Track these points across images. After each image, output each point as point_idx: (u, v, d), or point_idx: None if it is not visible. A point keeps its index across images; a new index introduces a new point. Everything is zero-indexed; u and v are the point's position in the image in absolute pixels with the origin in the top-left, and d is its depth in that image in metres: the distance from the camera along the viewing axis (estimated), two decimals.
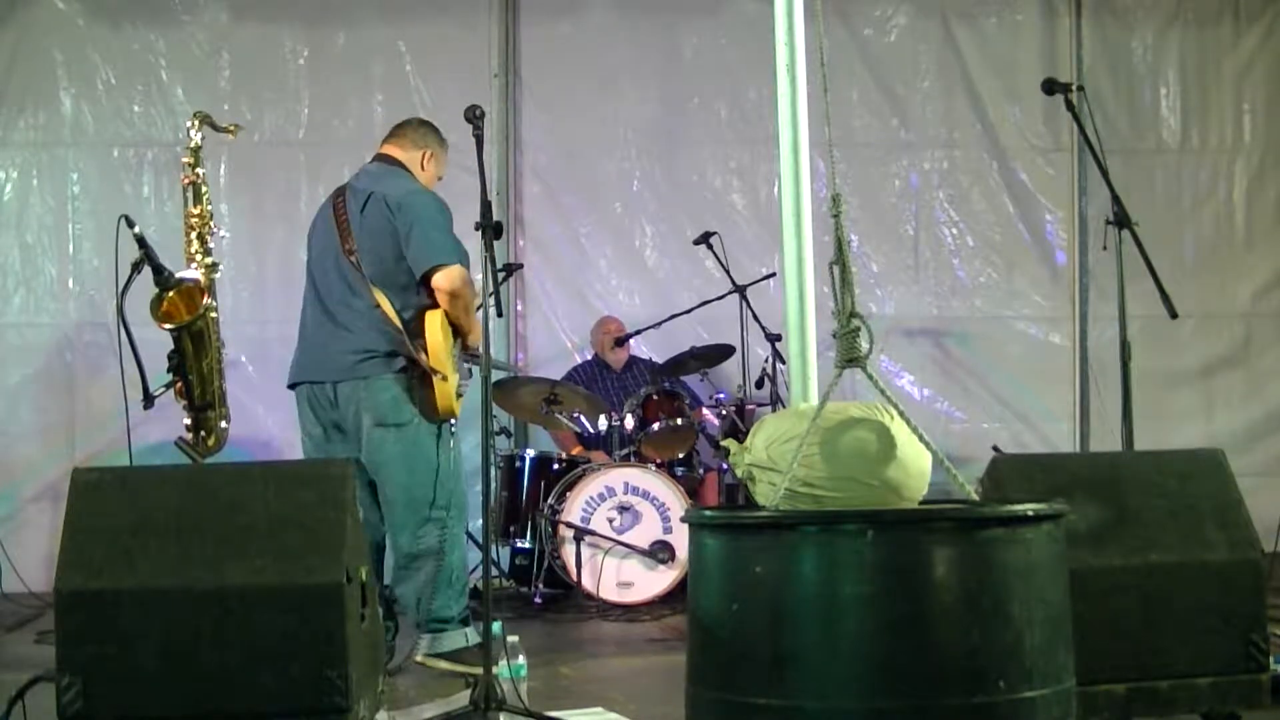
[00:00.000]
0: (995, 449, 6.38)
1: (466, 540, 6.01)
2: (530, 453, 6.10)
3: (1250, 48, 7.38)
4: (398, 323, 4.29)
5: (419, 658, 4.31)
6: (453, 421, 4.43)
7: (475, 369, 5.76)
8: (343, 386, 4.38)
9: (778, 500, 2.62)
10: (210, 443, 4.29)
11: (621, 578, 5.63)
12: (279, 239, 6.78)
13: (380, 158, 4.62)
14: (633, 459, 5.96)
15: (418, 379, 4.33)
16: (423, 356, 4.28)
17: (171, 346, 4.16)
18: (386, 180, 4.47)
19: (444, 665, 4.24)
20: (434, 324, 4.30)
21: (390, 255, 4.33)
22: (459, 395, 4.42)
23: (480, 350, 3.71)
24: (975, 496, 2.69)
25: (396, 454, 4.33)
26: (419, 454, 4.34)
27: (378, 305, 4.30)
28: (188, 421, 4.26)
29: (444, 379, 4.29)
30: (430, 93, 6.91)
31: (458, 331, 4.43)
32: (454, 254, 4.31)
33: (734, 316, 6.42)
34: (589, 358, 6.87)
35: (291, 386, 4.59)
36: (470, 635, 4.32)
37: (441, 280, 4.28)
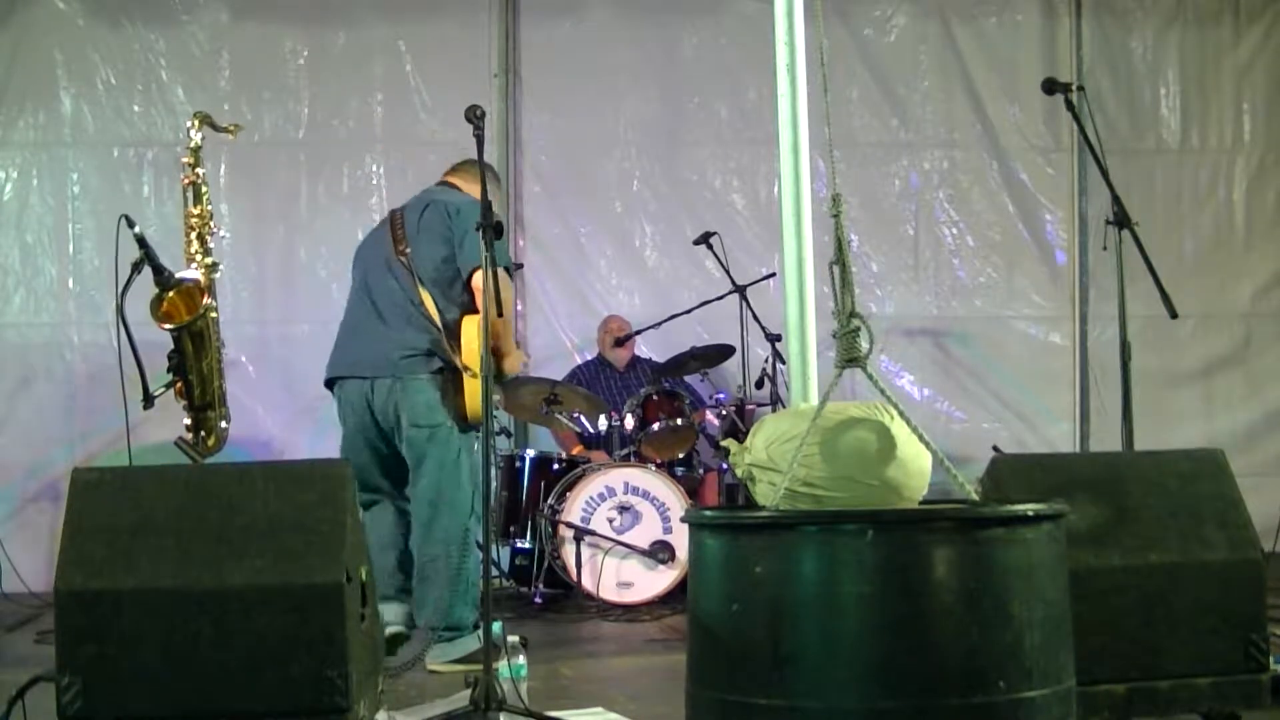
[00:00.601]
0: (995, 449, 6.37)
1: None
2: (530, 453, 6.09)
3: (1250, 48, 7.38)
4: (438, 321, 4.40)
5: (433, 665, 4.33)
6: (478, 428, 4.48)
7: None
8: (381, 382, 4.45)
9: (778, 500, 2.62)
10: (210, 443, 4.29)
11: (621, 578, 5.63)
12: (279, 239, 6.79)
13: (442, 183, 4.79)
14: (633, 459, 5.96)
15: (452, 383, 4.42)
16: (457, 357, 4.38)
17: (171, 346, 4.16)
18: (443, 193, 4.67)
19: (460, 668, 4.25)
20: (471, 328, 4.41)
21: (440, 255, 4.47)
22: None
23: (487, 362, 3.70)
24: (975, 496, 2.69)
25: (429, 455, 4.41)
26: (448, 457, 4.42)
27: (422, 303, 4.42)
28: (188, 421, 4.27)
29: (474, 376, 4.35)
30: (430, 93, 6.91)
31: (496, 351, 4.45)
32: (500, 258, 4.35)
33: (734, 316, 6.41)
34: (591, 357, 6.87)
35: (330, 383, 4.64)
36: (480, 637, 4.33)
37: (480, 280, 4.30)
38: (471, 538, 4.42)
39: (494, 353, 4.43)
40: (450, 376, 4.41)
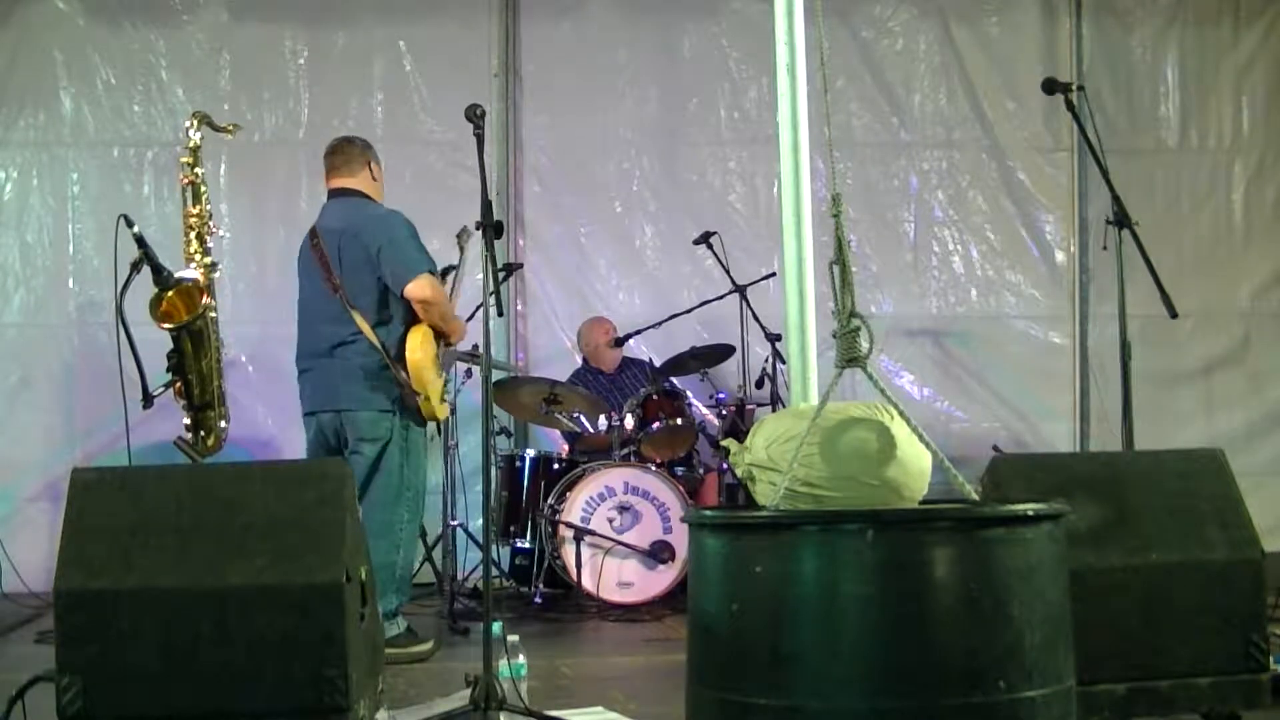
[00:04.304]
0: (995, 449, 6.38)
1: (466, 539, 6.07)
2: (530, 453, 6.09)
3: (1250, 47, 7.38)
4: (377, 344, 4.58)
5: None
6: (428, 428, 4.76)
7: (475, 369, 5.82)
8: (345, 414, 4.69)
9: (778, 500, 2.62)
10: (210, 442, 4.30)
11: (621, 578, 5.63)
12: (279, 239, 6.78)
13: (335, 193, 4.86)
14: (633, 459, 5.96)
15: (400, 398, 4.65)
16: (405, 377, 4.57)
17: (171, 346, 4.17)
18: (351, 213, 4.76)
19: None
20: (413, 344, 4.59)
21: (371, 283, 4.64)
22: (442, 400, 4.72)
23: (478, 349, 3.76)
24: (975, 496, 2.69)
25: (379, 465, 4.64)
26: (392, 461, 4.66)
27: (361, 332, 4.61)
28: (187, 421, 4.27)
29: (426, 399, 4.60)
30: (430, 93, 6.91)
31: (440, 335, 4.71)
32: (422, 264, 4.62)
33: (734, 316, 6.41)
34: (578, 365, 6.82)
35: (310, 414, 4.87)
36: (400, 623, 4.62)
37: (414, 290, 4.58)
38: (400, 529, 4.62)
39: (440, 337, 4.68)
40: (396, 394, 4.63)
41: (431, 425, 5.48)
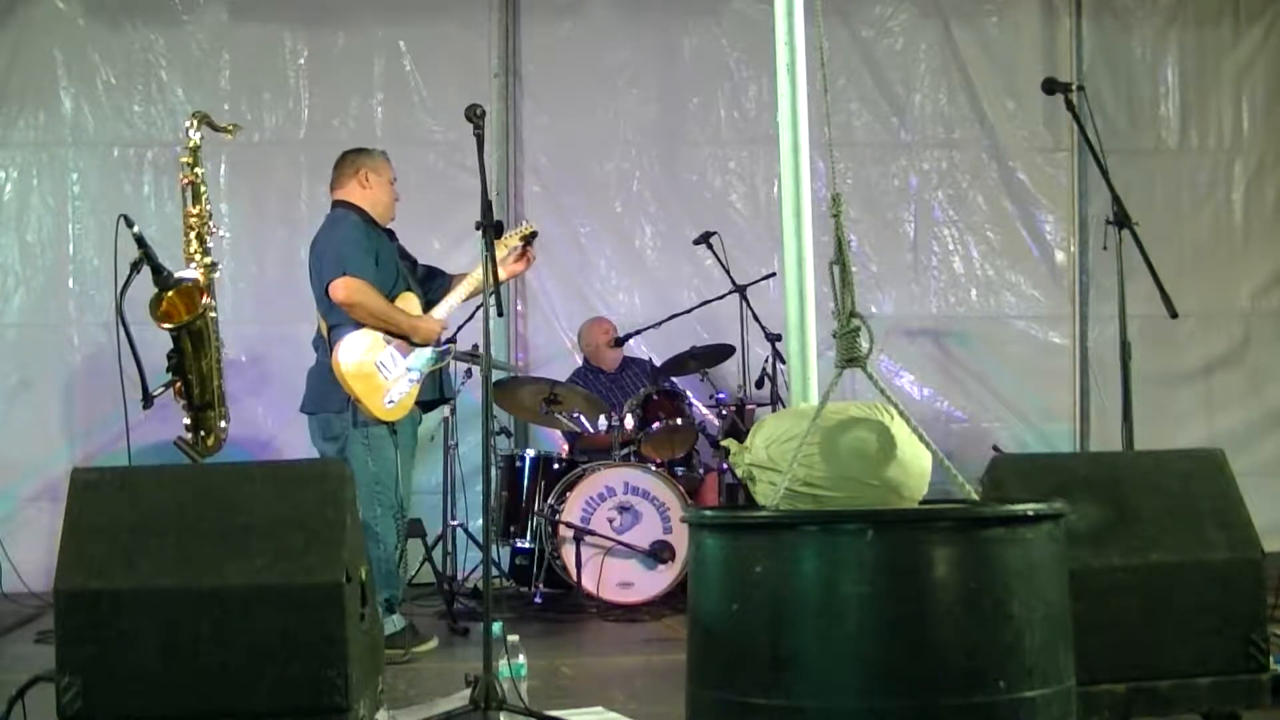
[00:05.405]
0: (995, 449, 6.38)
1: (466, 539, 6.06)
2: (530, 453, 6.09)
3: (1250, 47, 7.38)
4: (328, 347, 4.69)
5: None
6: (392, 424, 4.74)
7: (475, 369, 5.82)
8: (309, 416, 4.85)
9: (778, 500, 2.62)
10: (209, 442, 4.30)
11: (621, 578, 5.63)
12: (279, 239, 6.78)
13: (331, 206, 4.96)
14: (633, 459, 5.96)
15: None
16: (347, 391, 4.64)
17: (171, 346, 4.17)
18: (321, 224, 4.90)
19: None
20: (338, 350, 4.63)
21: (323, 289, 4.71)
22: (390, 403, 4.70)
23: (478, 349, 3.76)
24: (975, 496, 2.69)
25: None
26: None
27: (323, 336, 4.73)
28: (187, 421, 4.27)
29: (359, 402, 4.62)
30: (430, 93, 6.91)
31: (398, 335, 4.75)
32: (337, 268, 4.64)
33: (734, 316, 6.41)
34: (578, 365, 6.82)
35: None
36: (396, 621, 4.61)
37: (332, 294, 4.64)
38: (375, 523, 4.62)
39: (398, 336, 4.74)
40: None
41: (430, 424, 5.51)
